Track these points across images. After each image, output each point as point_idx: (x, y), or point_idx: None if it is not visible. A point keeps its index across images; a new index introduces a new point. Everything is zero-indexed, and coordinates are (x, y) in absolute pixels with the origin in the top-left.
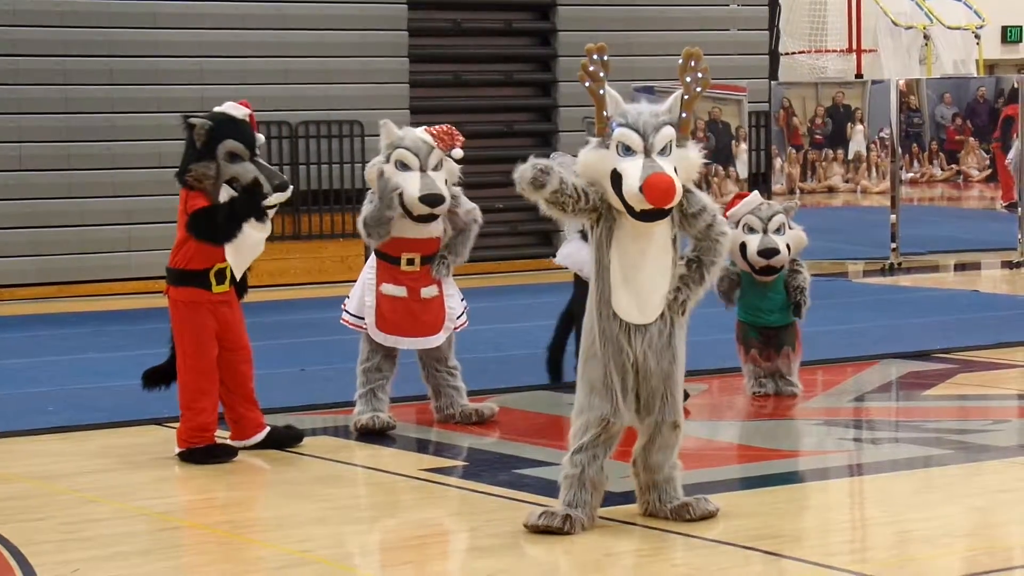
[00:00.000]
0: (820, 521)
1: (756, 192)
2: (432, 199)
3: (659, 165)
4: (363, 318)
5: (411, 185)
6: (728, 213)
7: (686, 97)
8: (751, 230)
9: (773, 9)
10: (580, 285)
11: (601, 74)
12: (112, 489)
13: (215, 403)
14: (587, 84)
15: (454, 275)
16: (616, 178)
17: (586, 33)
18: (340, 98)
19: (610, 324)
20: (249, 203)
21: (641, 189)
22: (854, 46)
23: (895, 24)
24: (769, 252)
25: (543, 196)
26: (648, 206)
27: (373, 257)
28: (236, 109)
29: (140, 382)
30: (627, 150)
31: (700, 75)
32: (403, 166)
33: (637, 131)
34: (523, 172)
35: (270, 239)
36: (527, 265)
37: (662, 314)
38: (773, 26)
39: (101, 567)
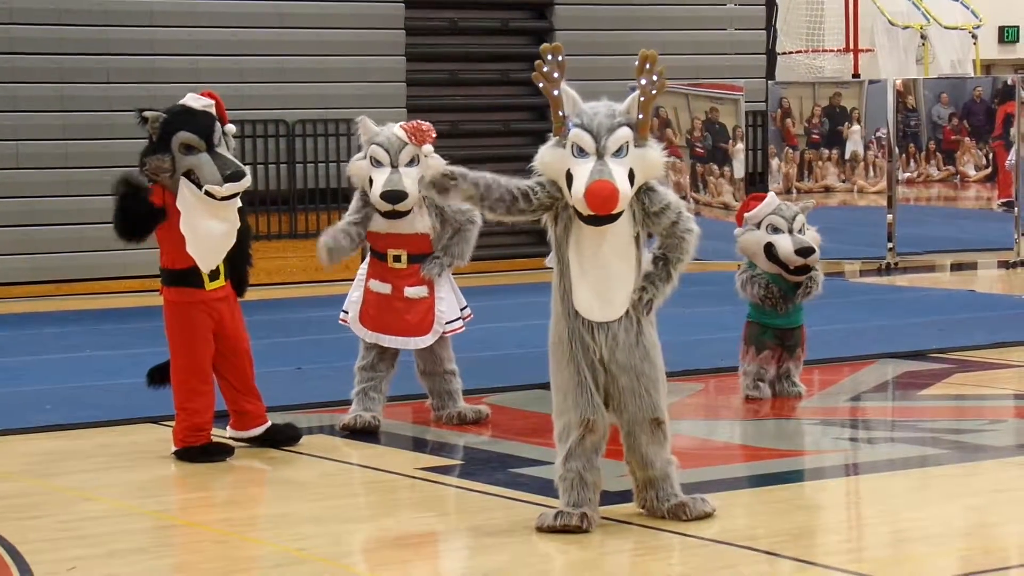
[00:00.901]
0: (816, 520)
1: (772, 193)
2: (391, 195)
3: (608, 170)
4: (345, 312)
5: (377, 181)
6: (748, 215)
7: (642, 99)
8: (776, 230)
9: (770, 8)
10: None
11: (555, 74)
12: (108, 487)
13: (210, 403)
14: (541, 85)
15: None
16: (569, 179)
17: (583, 32)
18: (337, 97)
19: (573, 322)
20: (129, 200)
21: (584, 195)
22: (851, 46)
23: (892, 24)
24: (806, 251)
25: (452, 200)
26: (588, 212)
27: (369, 254)
28: (195, 100)
29: (145, 380)
30: (580, 151)
31: (655, 77)
32: (376, 162)
33: (591, 132)
34: (427, 175)
35: (267, 237)
36: (523, 264)
37: (627, 312)
38: (770, 25)
39: (97, 565)
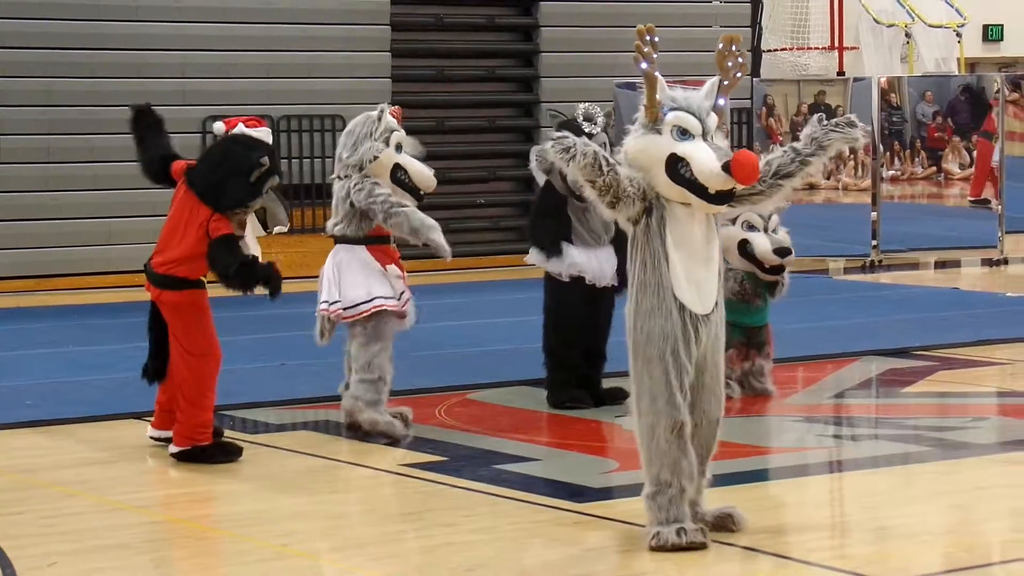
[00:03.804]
0: (799, 518)
1: None
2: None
3: (725, 147)
4: (386, 297)
5: (415, 165)
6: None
7: (724, 83)
8: (751, 227)
9: (756, 6)
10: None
11: (655, 55)
12: (91, 483)
13: (214, 400)
14: (644, 66)
15: (427, 269)
16: (674, 162)
17: (568, 29)
18: (322, 92)
19: (675, 317)
20: (249, 278)
21: (727, 168)
22: (836, 44)
23: (877, 22)
24: (784, 251)
25: (576, 170)
26: (728, 186)
27: (351, 247)
28: (269, 136)
29: (143, 378)
30: (683, 134)
31: (740, 60)
32: (399, 148)
33: (694, 114)
34: (549, 146)
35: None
36: (507, 261)
37: (716, 302)
38: (756, 23)
39: (79, 560)
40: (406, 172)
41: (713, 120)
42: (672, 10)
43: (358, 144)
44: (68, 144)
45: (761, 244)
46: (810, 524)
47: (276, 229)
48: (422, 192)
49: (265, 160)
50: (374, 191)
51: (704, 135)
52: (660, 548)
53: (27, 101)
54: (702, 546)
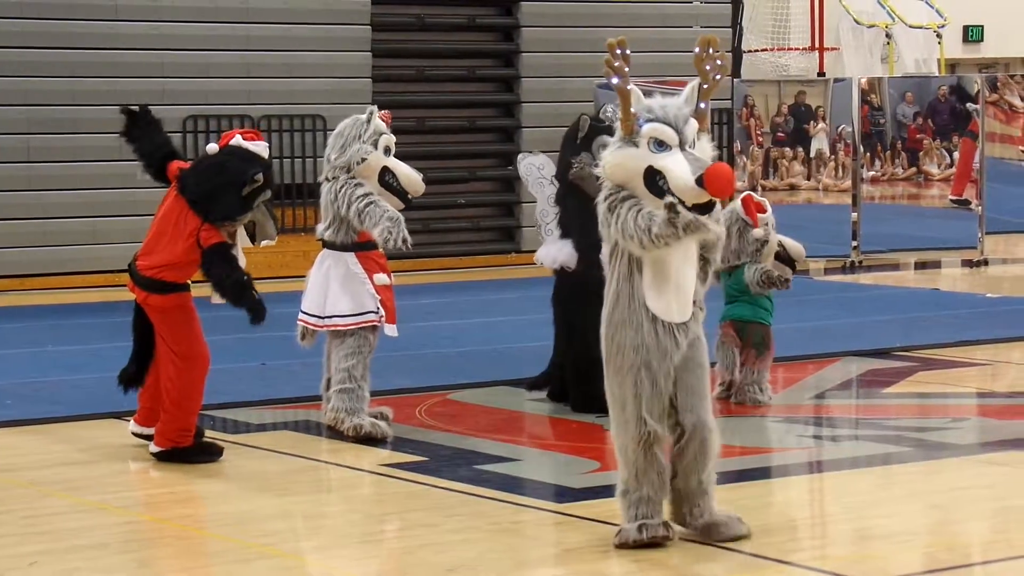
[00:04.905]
0: (780, 518)
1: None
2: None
3: (704, 158)
4: (374, 312)
5: (408, 168)
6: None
7: (704, 86)
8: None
9: (736, 6)
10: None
11: (626, 69)
12: (71, 483)
13: (199, 405)
14: (615, 81)
15: (406, 269)
16: (651, 175)
17: (549, 29)
18: (302, 92)
19: (647, 328)
20: (242, 297)
21: (700, 181)
22: (816, 44)
23: (857, 23)
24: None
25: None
26: (703, 199)
27: (340, 254)
28: (265, 150)
29: (119, 386)
30: (660, 145)
31: (719, 62)
32: (388, 151)
33: (670, 124)
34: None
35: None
36: (488, 261)
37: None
38: (736, 23)
39: (59, 560)
40: (394, 175)
41: (692, 127)
42: (652, 10)
43: (347, 146)
44: (49, 144)
45: (794, 245)
46: (790, 524)
47: (264, 243)
48: (410, 196)
49: (259, 177)
50: (354, 194)
51: (682, 144)
52: (623, 545)
53: (5, 100)
54: (664, 540)
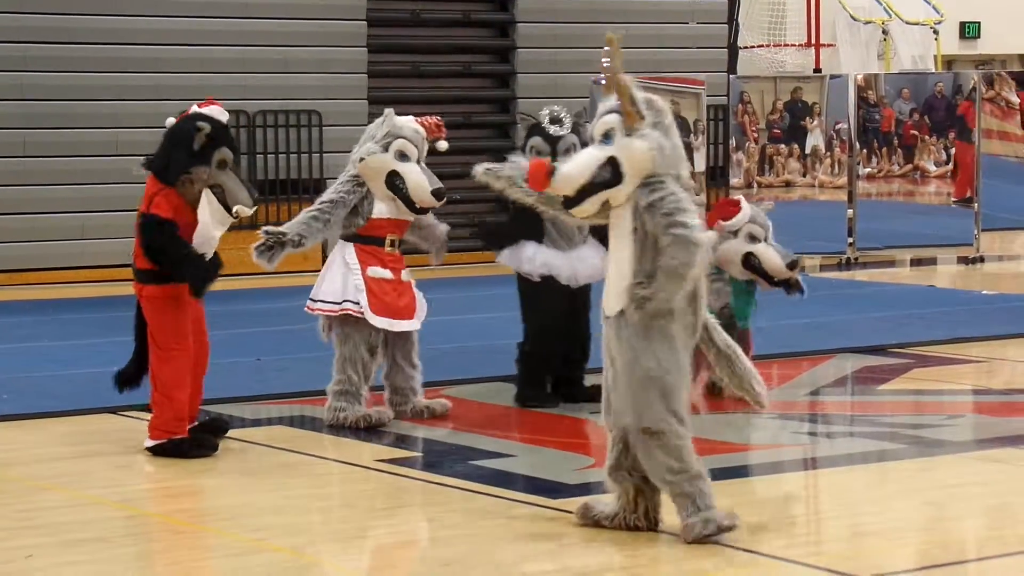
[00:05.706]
0: (774, 515)
1: (744, 200)
2: (440, 193)
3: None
4: (354, 302)
5: (412, 176)
6: (726, 223)
7: (603, 83)
8: (754, 239)
9: (732, 3)
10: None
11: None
12: (66, 477)
13: (187, 395)
14: (619, 82)
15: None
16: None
17: (545, 24)
18: (298, 87)
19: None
20: (191, 274)
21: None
22: (813, 40)
23: (854, 19)
24: (794, 263)
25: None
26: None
27: (344, 244)
28: (222, 114)
29: (115, 386)
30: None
31: (607, 61)
32: (403, 156)
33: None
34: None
35: (227, 229)
36: (484, 257)
37: (621, 309)
38: (732, 19)
39: (55, 554)
40: (403, 181)
41: (603, 123)
42: (648, 6)
43: (362, 144)
44: (42, 139)
45: (770, 257)
46: (785, 521)
47: (237, 208)
48: (418, 204)
49: (203, 124)
50: (332, 186)
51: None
52: (694, 540)
53: (1, 95)
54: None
